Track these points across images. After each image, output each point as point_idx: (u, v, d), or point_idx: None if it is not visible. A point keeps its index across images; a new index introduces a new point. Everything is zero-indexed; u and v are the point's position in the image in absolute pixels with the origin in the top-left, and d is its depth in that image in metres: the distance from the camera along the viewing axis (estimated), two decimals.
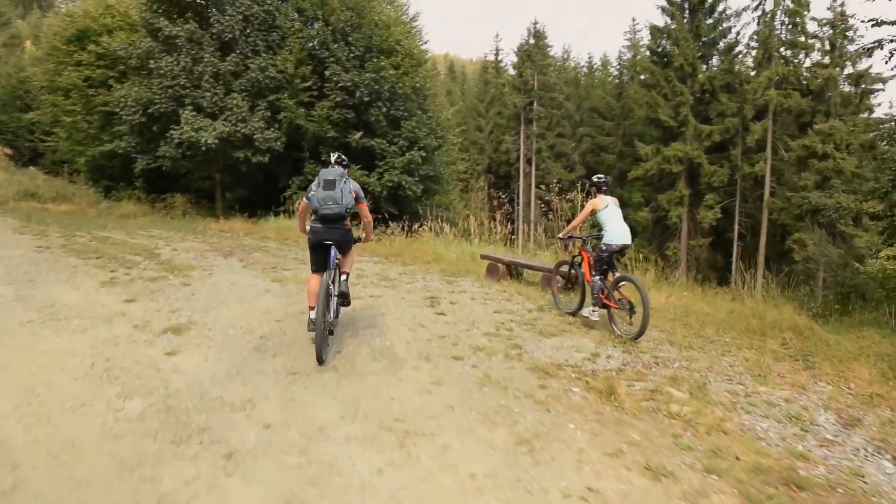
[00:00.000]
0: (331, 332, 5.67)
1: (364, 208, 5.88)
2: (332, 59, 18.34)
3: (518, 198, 41.81)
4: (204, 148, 16.18)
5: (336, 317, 5.84)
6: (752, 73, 30.69)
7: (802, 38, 29.20)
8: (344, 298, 5.84)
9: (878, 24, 9.61)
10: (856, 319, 8.77)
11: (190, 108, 16.44)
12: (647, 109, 33.25)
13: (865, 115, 27.97)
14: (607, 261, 6.89)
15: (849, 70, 27.86)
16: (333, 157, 5.93)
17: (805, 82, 29.44)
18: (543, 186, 35.46)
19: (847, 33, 27.71)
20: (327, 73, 18.37)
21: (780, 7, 29.20)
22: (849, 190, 27.98)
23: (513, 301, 8.32)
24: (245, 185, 20.18)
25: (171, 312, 6.51)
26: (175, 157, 16.90)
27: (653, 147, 33.18)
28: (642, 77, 35.55)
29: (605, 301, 6.79)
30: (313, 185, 5.57)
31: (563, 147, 41.78)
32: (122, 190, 20.03)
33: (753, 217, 32.92)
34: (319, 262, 5.65)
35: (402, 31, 19.44)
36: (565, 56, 46.81)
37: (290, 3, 19.71)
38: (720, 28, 31.83)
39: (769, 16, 29.50)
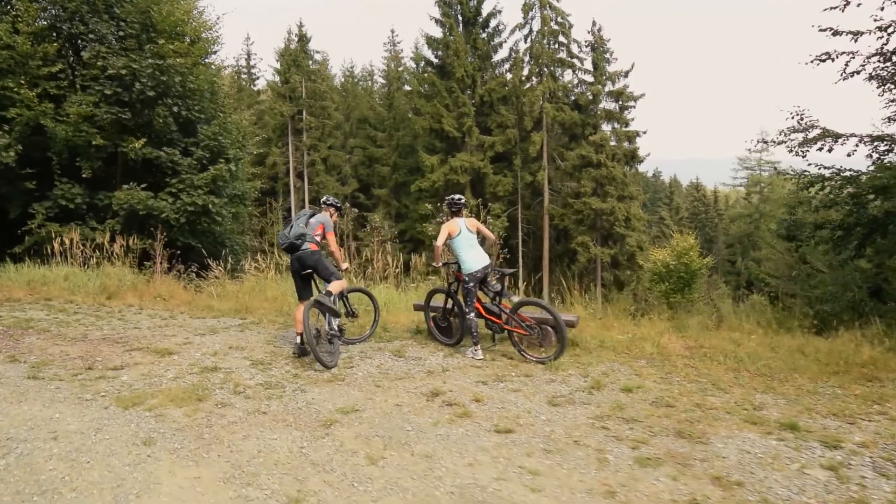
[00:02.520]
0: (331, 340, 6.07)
1: (330, 237, 6.43)
2: (91, 35, 13.04)
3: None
4: None
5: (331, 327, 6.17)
6: (527, 87, 31.97)
7: (568, 57, 31.29)
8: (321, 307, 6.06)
9: (835, 33, 9.17)
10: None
11: None
12: (430, 120, 32.46)
13: (625, 128, 30.94)
14: (476, 290, 6.38)
15: (609, 88, 30.52)
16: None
17: (574, 97, 31.63)
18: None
19: (606, 55, 30.36)
20: (85, 55, 13.03)
21: (546, 28, 30.90)
22: (620, 195, 30.81)
23: (542, 377, 5.69)
24: None
25: None
26: None
27: (438, 158, 32.57)
28: (423, 88, 34.76)
29: (506, 327, 6.43)
30: None
31: (337, 159, 39.06)
32: None
33: (535, 223, 34.47)
34: (299, 289, 6.38)
35: (187, 10, 14.85)
36: (326, 62, 43.84)
37: None
38: (494, 42, 32.57)
39: (538, 35, 31.00)
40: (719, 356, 6.48)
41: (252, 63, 42.65)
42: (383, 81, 43.40)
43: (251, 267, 11.46)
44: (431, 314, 7.09)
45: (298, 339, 6.07)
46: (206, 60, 15.59)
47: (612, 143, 30.77)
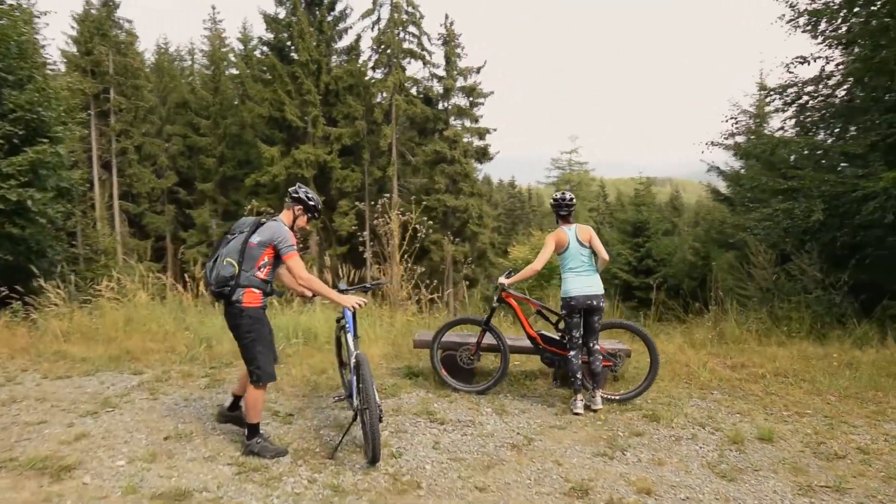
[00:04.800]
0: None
1: (291, 261, 3.73)
2: None
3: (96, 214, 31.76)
4: None
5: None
6: (378, 79, 30.28)
7: (419, 49, 30.20)
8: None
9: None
10: None
11: None
12: (269, 108, 29.18)
13: (476, 124, 30.66)
14: (581, 324, 4.84)
15: (461, 83, 29.99)
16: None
17: (425, 91, 30.64)
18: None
19: (458, 50, 29.79)
20: None
21: (397, 17, 29.49)
22: (471, 192, 30.54)
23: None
24: None
25: None
26: None
27: (279, 149, 29.49)
28: (259, 71, 31.23)
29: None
30: None
31: (153, 148, 33.68)
32: None
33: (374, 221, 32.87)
34: None
35: None
36: (135, 35, 37.27)
37: None
38: (339, 27, 30.29)
39: (388, 23, 29.47)
40: (783, 377, 5.71)
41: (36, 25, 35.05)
42: (205, 62, 38.39)
43: (107, 288, 8.39)
44: (446, 352, 5.31)
45: (228, 402, 4.21)
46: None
47: (466, 140, 30.30)
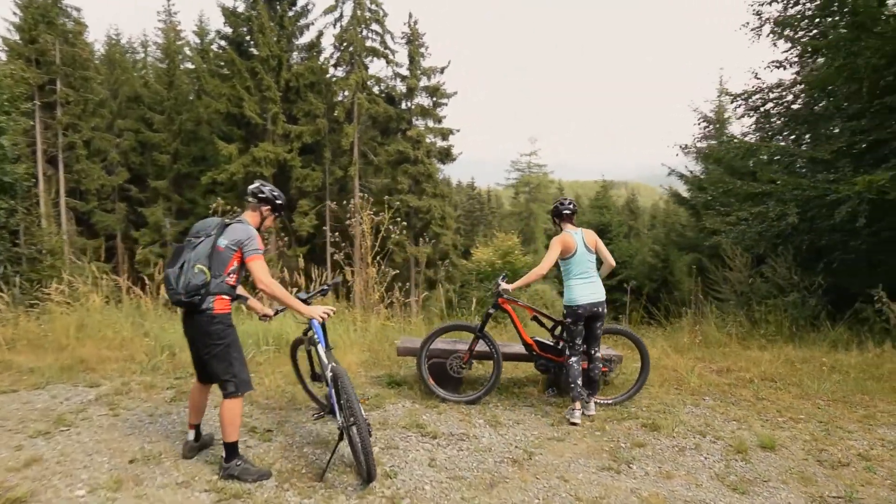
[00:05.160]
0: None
1: (254, 264, 3.49)
2: None
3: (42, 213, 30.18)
4: None
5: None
6: (340, 77, 29.71)
7: (382, 48, 29.78)
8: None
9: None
10: None
11: None
12: (228, 104, 28.27)
13: (439, 124, 30.39)
14: (582, 332, 4.63)
15: (425, 83, 29.69)
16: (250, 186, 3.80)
17: (388, 91, 30.26)
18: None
19: (421, 49, 29.48)
20: None
21: (360, 14, 29.00)
22: (436, 194, 30.33)
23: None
24: None
25: None
26: None
27: (237, 147, 28.62)
28: (216, 66, 30.29)
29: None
30: None
31: (103, 143, 32.24)
32: None
33: (342, 221, 32.31)
34: (195, 363, 3.72)
35: None
36: (84, 25, 35.48)
37: None
38: (301, 23, 29.59)
39: (351, 20, 28.94)
40: (771, 381, 5.67)
41: None
42: (159, 55, 37.00)
43: (56, 291, 7.80)
44: (432, 360, 5.02)
45: (191, 434, 3.75)
46: None
47: (429, 140, 29.98)
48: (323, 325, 3.83)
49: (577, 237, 4.65)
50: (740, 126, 13.56)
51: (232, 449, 3.41)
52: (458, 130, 30.74)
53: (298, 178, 29.52)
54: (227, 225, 3.54)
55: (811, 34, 10.42)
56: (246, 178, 28.99)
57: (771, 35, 10.98)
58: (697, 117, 18.64)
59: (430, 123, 30.65)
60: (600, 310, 4.56)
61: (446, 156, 30.82)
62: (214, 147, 29.05)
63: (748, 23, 11.34)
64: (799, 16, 10.52)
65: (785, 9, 10.65)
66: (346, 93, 29.29)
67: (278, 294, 3.48)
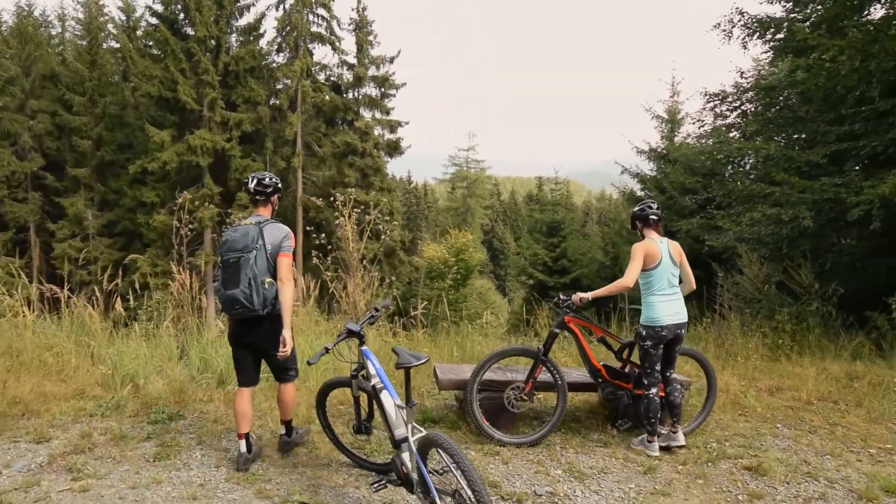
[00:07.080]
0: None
1: (284, 260, 3.69)
2: None
3: None
4: None
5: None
6: (283, 63, 28.18)
7: (328, 34, 28.49)
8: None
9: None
10: None
11: None
12: (160, 86, 26.24)
13: (387, 116, 29.43)
14: (660, 357, 4.14)
15: (373, 72, 28.65)
16: (251, 183, 3.95)
17: (334, 79, 29.02)
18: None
19: (370, 38, 28.40)
20: None
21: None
22: (384, 188, 29.36)
23: None
24: None
25: None
26: None
27: (170, 133, 26.65)
28: (146, 45, 28.07)
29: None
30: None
31: (13, 125, 29.28)
32: None
33: (284, 215, 30.82)
34: (244, 369, 3.86)
35: None
36: None
37: None
38: (241, 3, 27.82)
39: (296, 3, 27.47)
40: (832, 403, 5.31)
41: None
42: (80, 32, 34.01)
43: None
44: (486, 393, 4.31)
45: (243, 446, 3.75)
46: None
47: (377, 132, 28.98)
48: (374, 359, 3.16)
49: (663, 247, 4.11)
50: (697, 127, 13.37)
51: (290, 424, 3.98)
52: (406, 123, 29.92)
53: (238, 168, 27.83)
54: (262, 230, 3.68)
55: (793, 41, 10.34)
56: (180, 168, 27.15)
57: (744, 37, 10.82)
58: (651, 116, 18.81)
59: (378, 115, 29.65)
60: (683, 332, 4.04)
61: (394, 149, 29.92)
62: (143, 133, 26.95)
63: (719, 24, 11.12)
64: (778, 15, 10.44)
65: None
66: (290, 80, 27.86)
67: (286, 297, 3.57)
